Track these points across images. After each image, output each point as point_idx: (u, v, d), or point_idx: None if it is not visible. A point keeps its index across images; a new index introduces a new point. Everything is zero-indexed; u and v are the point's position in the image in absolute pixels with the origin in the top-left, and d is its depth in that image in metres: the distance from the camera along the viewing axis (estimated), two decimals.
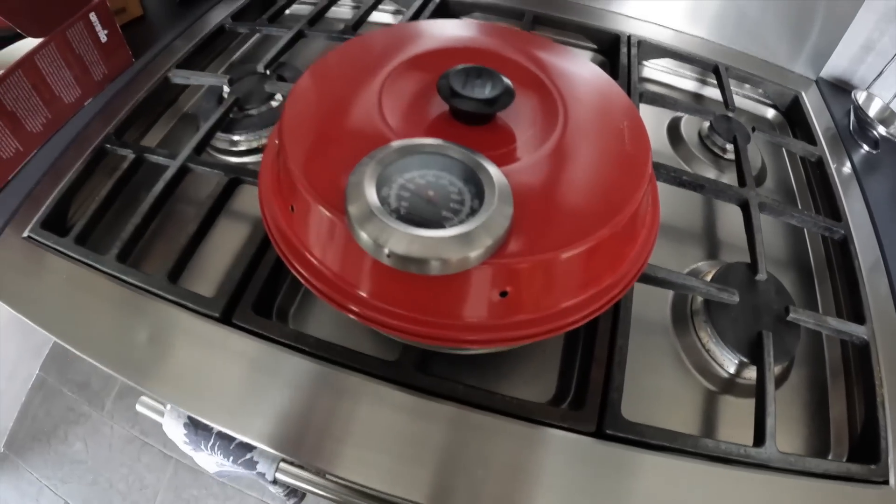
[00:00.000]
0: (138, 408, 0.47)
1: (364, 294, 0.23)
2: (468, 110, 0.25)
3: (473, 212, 0.21)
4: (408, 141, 0.23)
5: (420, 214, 0.21)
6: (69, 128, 0.48)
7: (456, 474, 0.29)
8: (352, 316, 0.23)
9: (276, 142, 0.27)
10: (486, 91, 0.26)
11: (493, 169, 0.22)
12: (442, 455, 0.30)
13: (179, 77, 0.51)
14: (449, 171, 0.22)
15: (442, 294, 0.22)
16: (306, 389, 0.32)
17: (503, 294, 0.22)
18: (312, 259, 0.24)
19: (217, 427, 0.33)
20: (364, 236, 0.20)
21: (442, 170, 0.22)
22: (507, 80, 0.26)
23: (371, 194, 0.20)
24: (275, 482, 0.50)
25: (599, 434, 0.31)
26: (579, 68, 0.32)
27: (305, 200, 0.23)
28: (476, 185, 0.22)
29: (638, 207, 0.26)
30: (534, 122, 0.28)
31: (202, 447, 0.50)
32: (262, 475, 0.50)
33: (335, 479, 0.39)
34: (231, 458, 0.50)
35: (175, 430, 0.48)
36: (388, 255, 0.19)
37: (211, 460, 0.53)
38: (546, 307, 0.24)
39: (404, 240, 0.19)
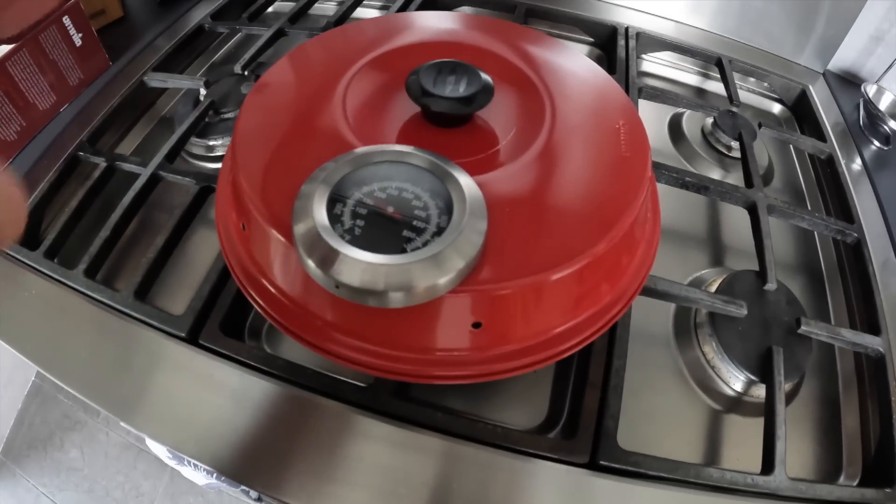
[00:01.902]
0: (122, 422, 0.45)
1: (321, 324, 0.21)
2: (440, 111, 0.23)
3: (440, 230, 0.18)
4: (365, 149, 0.20)
5: (378, 236, 0.18)
6: (44, 135, 0.47)
7: None
8: (307, 346, 0.21)
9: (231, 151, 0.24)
10: (461, 89, 0.23)
11: (463, 178, 0.20)
12: (420, 490, 0.27)
13: (155, 80, 0.49)
14: (413, 183, 0.20)
15: (408, 326, 0.20)
16: (275, 417, 0.29)
17: (476, 325, 0.20)
18: (265, 282, 0.22)
19: (182, 455, 0.30)
20: (311, 265, 0.17)
21: (405, 181, 0.20)
22: (485, 76, 0.24)
23: (320, 213, 0.18)
24: (259, 500, 0.48)
25: (593, 465, 0.29)
26: (571, 63, 0.29)
27: (256, 219, 0.21)
28: (444, 198, 0.19)
29: (636, 217, 0.23)
30: (517, 124, 0.25)
31: (186, 462, 0.49)
32: (247, 492, 0.48)
33: None
34: (215, 475, 0.48)
35: (159, 445, 0.47)
36: (338, 287, 0.17)
37: (197, 475, 0.51)
38: (529, 337, 0.21)
39: (357, 268, 0.17)
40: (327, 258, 0.17)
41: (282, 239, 0.20)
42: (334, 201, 0.19)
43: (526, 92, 0.27)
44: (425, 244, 0.18)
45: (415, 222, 0.19)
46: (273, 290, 0.22)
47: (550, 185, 0.23)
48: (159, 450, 0.46)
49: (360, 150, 0.21)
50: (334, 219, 0.18)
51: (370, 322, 0.20)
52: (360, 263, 0.17)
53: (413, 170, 0.20)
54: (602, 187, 0.23)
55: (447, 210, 0.19)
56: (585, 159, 0.24)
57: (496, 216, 0.21)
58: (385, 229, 0.19)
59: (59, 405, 1.02)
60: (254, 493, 0.48)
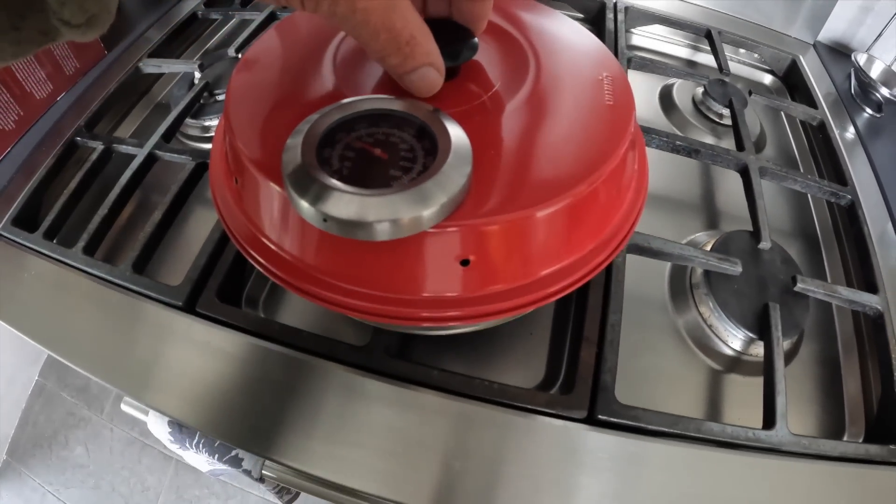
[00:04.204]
0: (123, 407, 0.45)
1: (310, 269, 0.21)
2: None
3: (426, 169, 0.19)
4: (352, 98, 0.21)
5: (366, 175, 0.18)
6: (42, 123, 0.47)
7: (433, 468, 0.27)
8: (297, 293, 0.21)
9: (223, 119, 0.25)
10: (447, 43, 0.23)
11: (448, 123, 0.20)
12: (418, 447, 0.27)
13: (150, 66, 0.49)
14: (399, 129, 0.20)
15: (396, 266, 0.20)
16: (273, 381, 0.29)
17: (464, 262, 0.20)
18: (260, 236, 0.22)
19: (184, 423, 0.31)
20: (301, 202, 0.17)
21: (391, 127, 0.20)
22: (470, 32, 0.24)
23: (309, 156, 0.18)
24: (261, 480, 0.48)
25: (591, 420, 0.29)
26: (555, 23, 0.29)
27: (250, 173, 0.21)
28: (431, 141, 0.20)
29: (621, 164, 0.23)
30: (503, 76, 0.25)
31: (188, 445, 0.49)
32: (248, 473, 0.48)
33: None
34: (217, 456, 0.48)
35: (160, 428, 0.47)
36: (326, 220, 0.17)
37: (199, 459, 0.51)
38: (518, 277, 0.21)
39: (343, 201, 0.17)
40: (316, 195, 0.17)
41: (273, 185, 0.20)
42: (323, 145, 0.19)
43: (511, 49, 0.27)
44: (411, 181, 0.18)
45: (401, 163, 0.19)
46: (266, 241, 0.22)
47: (536, 131, 0.23)
48: (160, 433, 0.46)
49: (348, 99, 0.21)
50: (323, 161, 0.19)
51: (360, 265, 0.20)
52: (346, 197, 0.17)
53: (399, 117, 0.21)
54: (587, 133, 0.23)
55: (433, 152, 0.19)
56: (570, 107, 0.24)
57: (483, 160, 0.21)
58: (372, 169, 0.19)
59: (62, 403, 1.03)
60: (255, 473, 0.48)
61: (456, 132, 0.20)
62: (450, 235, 0.19)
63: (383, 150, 0.19)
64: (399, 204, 0.17)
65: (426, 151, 0.19)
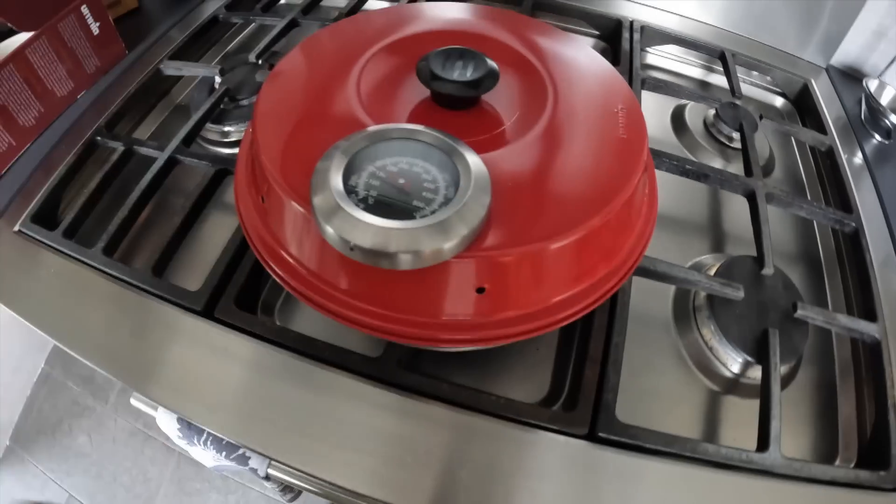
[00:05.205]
0: (132, 401, 0.46)
1: (334, 290, 0.22)
2: (448, 93, 0.24)
3: (448, 201, 0.20)
4: (379, 126, 0.21)
5: (390, 205, 0.19)
6: (62, 121, 0.48)
7: (438, 477, 0.28)
8: (320, 311, 0.22)
9: (250, 131, 0.26)
10: (469, 73, 0.24)
11: (469, 154, 0.21)
12: (425, 457, 0.28)
13: (171, 68, 0.50)
14: (423, 158, 0.21)
15: (417, 290, 0.21)
16: (287, 387, 0.30)
17: (480, 290, 0.21)
18: (283, 253, 0.23)
19: (197, 424, 0.32)
20: (328, 229, 0.18)
21: (415, 157, 0.21)
22: (490, 62, 0.25)
23: (337, 184, 0.19)
24: (267, 478, 0.49)
25: (592, 437, 0.30)
26: (573, 51, 0.30)
27: (275, 192, 0.22)
28: (452, 172, 0.21)
29: (633, 195, 0.24)
30: (521, 107, 0.26)
31: (195, 442, 0.50)
32: (255, 471, 0.49)
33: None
34: (224, 453, 0.49)
35: (168, 424, 0.48)
36: (352, 249, 0.18)
37: (206, 455, 0.52)
38: (531, 304, 0.22)
39: (369, 232, 0.18)
40: (343, 223, 0.18)
41: (300, 208, 0.21)
42: (349, 173, 0.20)
43: (530, 78, 0.28)
44: (433, 213, 0.19)
45: (424, 193, 0.20)
46: (290, 259, 0.23)
47: (552, 162, 0.24)
48: (169, 428, 0.47)
49: (374, 127, 0.22)
50: (349, 189, 0.20)
51: (382, 288, 0.21)
52: (372, 227, 0.18)
53: (423, 146, 0.21)
54: (601, 166, 0.24)
55: (454, 183, 0.20)
56: (585, 140, 0.25)
57: (500, 191, 0.22)
58: (396, 199, 0.20)
59: (67, 392, 1.04)
60: (262, 472, 0.49)
61: (476, 164, 0.21)
62: (467, 265, 0.20)
63: (406, 180, 0.20)
64: (422, 236, 0.18)
65: (447, 183, 0.20)
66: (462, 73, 0.24)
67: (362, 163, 0.21)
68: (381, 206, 0.19)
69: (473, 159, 0.21)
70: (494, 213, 0.21)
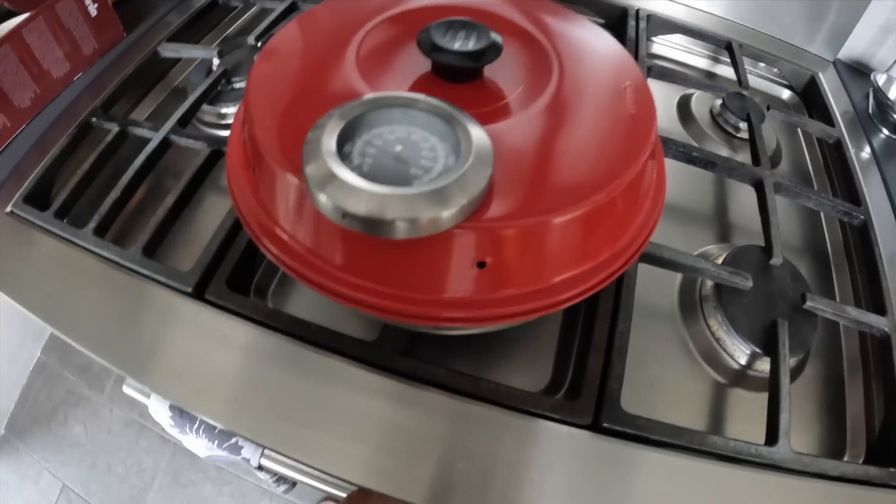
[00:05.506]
0: (125, 388, 0.46)
1: (329, 266, 0.21)
2: (450, 64, 0.23)
3: (447, 170, 0.19)
4: (376, 94, 0.21)
5: (386, 173, 0.18)
6: (58, 102, 0.47)
7: (435, 467, 0.27)
8: (315, 289, 0.21)
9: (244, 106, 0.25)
10: (471, 44, 0.23)
11: (470, 123, 0.20)
12: (421, 445, 0.27)
13: (169, 51, 0.49)
14: (422, 127, 0.20)
15: (416, 265, 0.20)
16: (279, 371, 0.30)
17: (481, 265, 0.20)
18: (277, 229, 0.22)
19: (185, 408, 0.31)
20: (321, 197, 0.17)
21: (414, 125, 0.20)
22: (493, 34, 0.24)
23: (330, 149, 0.18)
24: (260, 468, 0.49)
25: (596, 427, 0.29)
26: (579, 28, 0.29)
27: (267, 163, 0.21)
28: (452, 141, 0.20)
29: (641, 174, 0.23)
30: (525, 81, 0.25)
31: (188, 430, 0.49)
32: (247, 461, 0.48)
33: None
34: (216, 442, 0.49)
35: (161, 412, 0.47)
36: (344, 216, 0.17)
37: (199, 444, 0.51)
38: (533, 282, 0.21)
39: (364, 198, 0.17)
40: (336, 190, 0.17)
41: (294, 179, 0.20)
42: (344, 141, 0.19)
43: (534, 52, 0.27)
44: (431, 181, 0.18)
45: (422, 161, 0.19)
46: (284, 235, 0.22)
47: (557, 136, 0.23)
48: (161, 416, 0.46)
49: (371, 95, 0.21)
50: (343, 155, 0.19)
51: (378, 263, 0.20)
52: (366, 194, 0.17)
53: (422, 115, 0.21)
54: (608, 140, 0.23)
55: (454, 153, 0.19)
56: (592, 114, 0.24)
57: (503, 163, 0.21)
58: (393, 166, 0.19)
59: (63, 382, 1.03)
60: (254, 462, 0.48)
61: (478, 133, 0.20)
62: (467, 237, 0.19)
63: (405, 147, 0.19)
64: (419, 203, 0.17)
65: (447, 152, 0.20)
66: (464, 44, 0.23)
67: (358, 130, 0.20)
68: (376, 173, 0.18)
69: (475, 128, 0.20)
70: (496, 185, 0.20)
